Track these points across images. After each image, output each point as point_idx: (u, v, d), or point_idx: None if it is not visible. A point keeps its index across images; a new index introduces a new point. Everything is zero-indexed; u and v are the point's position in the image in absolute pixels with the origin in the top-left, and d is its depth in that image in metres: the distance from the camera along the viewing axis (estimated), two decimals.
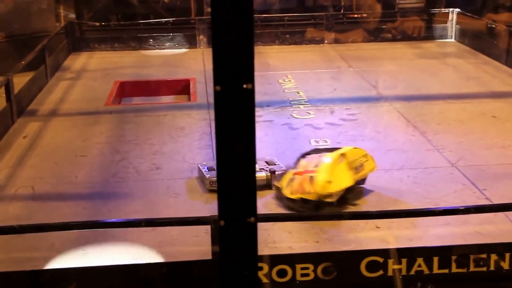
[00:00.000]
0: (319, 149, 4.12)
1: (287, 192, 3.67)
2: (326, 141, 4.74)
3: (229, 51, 1.41)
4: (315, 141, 4.75)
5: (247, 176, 1.51)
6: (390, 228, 3.41)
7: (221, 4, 1.38)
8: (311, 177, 3.60)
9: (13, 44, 7.24)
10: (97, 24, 8.10)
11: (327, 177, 3.58)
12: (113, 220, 3.35)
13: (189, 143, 4.73)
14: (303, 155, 3.88)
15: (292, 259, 2.85)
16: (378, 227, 3.42)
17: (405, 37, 8.15)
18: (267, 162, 4.08)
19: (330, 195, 3.56)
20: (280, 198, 3.74)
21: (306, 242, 3.32)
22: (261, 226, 3.36)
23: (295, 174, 3.73)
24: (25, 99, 5.73)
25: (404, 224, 3.44)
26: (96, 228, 3.15)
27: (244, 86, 1.43)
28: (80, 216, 3.63)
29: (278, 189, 3.77)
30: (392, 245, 3.20)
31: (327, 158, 3.71)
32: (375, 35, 8.19)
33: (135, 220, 3.05)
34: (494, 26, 7.25)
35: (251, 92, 1.44)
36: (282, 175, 3.84)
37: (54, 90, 6.29)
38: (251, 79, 1.43)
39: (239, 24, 1.38)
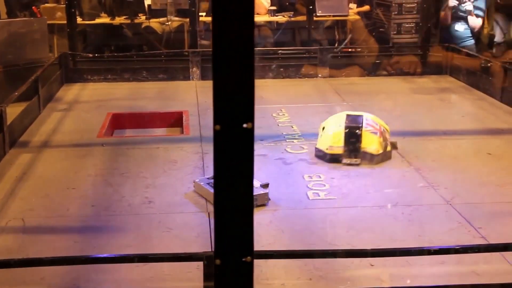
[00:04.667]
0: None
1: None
2: (319, 177, 4.76)
3: (230, 90, 1.44)
4: (309, 176, 4.77)
5: (245, 215, 1.53)
6: (384, 266, 3.41)
7: (222, 43, 1.41)
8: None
9: (7, 74, 7.27)
10: (90, 55, 8.15)
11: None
12: (105, 255, 3.35)
13: (181, 176, 4.75)
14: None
15: None
16: (372, 265, 3.42)
17: (405, 71, 8.24)
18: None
19: None
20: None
21: (299, 280, 3.32)
22: (254, 262, 3.38)
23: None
24: (18, 130, 5.74)
25: (399, 262, 3.44)
26: (87, 263, 3.14)
27: (244, 125, 1.46)
28: (71, 250, 3.62)
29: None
30: (387, 284, 3.21)
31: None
32: (369, 69, 8.27)
33: (127, 256, 3.04)
34: (488, 64, 7.35)
35: (251, 131, 1.46)
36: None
37: (47, 121, 6.31)
38: (251, 118, 1.45)
39: (240, 64, 1.41)
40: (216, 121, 1.43)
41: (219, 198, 1.51)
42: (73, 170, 4.95)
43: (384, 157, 5.07)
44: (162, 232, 3.89)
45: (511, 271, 3.16)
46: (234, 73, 1.42)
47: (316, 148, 5.20)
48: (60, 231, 4.00)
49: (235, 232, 1.54)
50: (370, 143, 5.02)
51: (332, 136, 5.07)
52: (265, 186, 4.32)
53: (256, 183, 4.25)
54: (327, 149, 5.06)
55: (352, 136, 5.00)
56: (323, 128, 5.24)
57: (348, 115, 5.17)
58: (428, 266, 3.41)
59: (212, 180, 3.93)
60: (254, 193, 3.98)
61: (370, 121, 5.12)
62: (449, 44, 8.33)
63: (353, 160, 4.99)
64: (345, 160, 5.00)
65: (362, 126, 5.02)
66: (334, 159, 5.01)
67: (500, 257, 3.45)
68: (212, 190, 3.72)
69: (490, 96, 7.05)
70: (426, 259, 3.42)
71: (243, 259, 1.57)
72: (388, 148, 5.15)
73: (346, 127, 5.03)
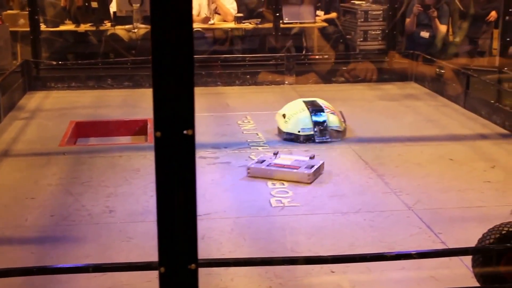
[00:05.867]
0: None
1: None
2: (283, 184, 4.77)
3: (170, 97, 1.43)
4: (272, 183, 4.78)
5: (188, 222, 1.52)
6: (345, 272, 3.43)
7: (161, 49, 1.41)
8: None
9: None
10: (54, 63, 8.08)
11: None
12: (60, 265, 3.31)
13: (144, 185, 4.72)
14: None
15: None
16: (333, 272, 3.44)
17: (368, 79, 8.31)
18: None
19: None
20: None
21: (260, 287, 3.32)
22: (213, 271, 3.37)
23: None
24: None
25: (359, 268, 3.46)
26: (41, 274, 3.09)
27: (185, 132, 1.45)
28: (27, 261, 3.57)
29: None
30: None
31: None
32: (336, 76, 8.32)
33: (84, 266, 3.01)
34: (442, 72, 7.48)
35: (192, 138, 1.46)
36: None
37: (7, 130, 6.23)
38: (191, 125, 1.45)
39: (180, 70, 1.41)
40: (156, 127, 1.42)
41: (161, 205, 1.50)
42: (33, 179, 4.90)
43: (344, 133, 5.90)
44: (122, 242, 3.87)
45: (469, 275, 3.19)
46: (174, 80, 1.42)
47: (285, 132, 5.85)
48: (17, 242, 3.94)
49: (178, 239, 1.54)
50: (334, 122, 5.85)
51: (301, 120, 5.80)
52: (312, 157, 5.08)
53: (305, 158, 5.08)
54: (299, 131, 5.77)
55: (319, 117, 5.81)
56: (284, 115, 5.91)
57: (305, 101, 6.01)
58: (388, 271, 3.43)
59: (263, 161, 5.00)
60: (317, 165, 4.93)
61: (325, 104, 6.04)
62: (414, 51, 8.42)
63: (324, 138, 5.75)
64: (317, 139, 5.74)
65: (323, 109, 5.89)
66: (307, 139, 5.75)
67: (459, 262, 3.49)
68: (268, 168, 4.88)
69: (454, 102, 7.15)
70: (386, 264, 3.44)
71: (188, 267, 1.56)
72: (344, 126, 5.95)
73: (311, 111, 5.86)
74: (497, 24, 8.15)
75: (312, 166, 4.88)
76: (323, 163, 5.02)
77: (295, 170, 4.85)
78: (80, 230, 4.04)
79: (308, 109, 5.86)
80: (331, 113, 5.90)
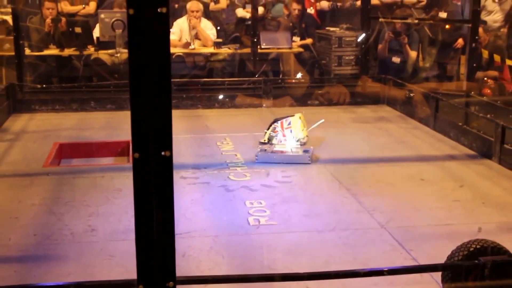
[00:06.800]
0: (279, 118, 6.13)
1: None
2: (260, 203, 4.76)
3: (148, 119, 1.43)
4: (250, 202, 4.77)
5: (166, 241, 1.51)
6: None
7: (139, 73, 1.41)
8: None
9: None
10: (39, 86, 8.03)
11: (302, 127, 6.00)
12: (42, 284, 3.27)
13: (125, 204, 4.68)
14: (275, 121, 6.05)
15: None
16: None
17: (341, 102, 8.35)
18: None
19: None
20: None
21: None
22: (194, 287, 3.34)
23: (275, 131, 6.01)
24: None
25: (334, 284, 3.45)
26: None
27: (162, 153, 1.45)
28: (10, 280, 3.52)
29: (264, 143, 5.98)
30: None
31: (295, 118, 6.03)
32: (312, 100, 8.36)
33: (65, 284, 2.98)
34: (412, 95, 7.57)
35: (170, 159, 1.45)
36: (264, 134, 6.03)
37: None
38: (169, 146, 1.45)
39: (158, 94, 1.41)
40: (135, 149, 1.42)
41: (139, 224, 1.49)
42: (17, 199, 4.84)
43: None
44: (103, 260, 3.83)
45: None
46: (152, 103, 1.41)
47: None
48: (0, 261, 3.89)
49: (157, 257, 1.52)
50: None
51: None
52: (303, 144, 5.92)
53: (300, 150, 5.87)
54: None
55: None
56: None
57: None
58: (362, 287, 3.43)
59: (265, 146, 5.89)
60: (311, 150, 5.90)
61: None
62: (386, 75, 8.49)
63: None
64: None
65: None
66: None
67: (430, 278, 3.49)
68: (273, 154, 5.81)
69: (424, 124, 7.21)
70: (360, 281, 3.43)
71: (166, 284, 1.55)
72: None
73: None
74: (464, 50, 8.25)
75: (308, 151, 5.85)
76: (313, 148, 5.93)
77: (296, 154, 5.79)
78: (63, 249, 4.00)
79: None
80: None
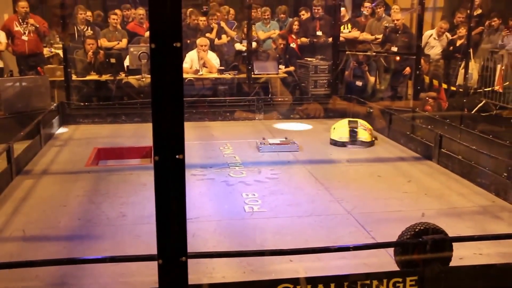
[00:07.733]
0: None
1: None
2: (254, 195, 4.74)
3: (165, 129, 1.42)
4: (246, 194, 4.75)
5: (179, 224, 1.50)
6: (300, 261, 3.40)
7: (159, 93, 1.40)
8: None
9: (17, 119, 7.04)
10: (82, 104, 8.00)
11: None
12: (84, 257, 3.24)
13: (149, 196, 4.66)
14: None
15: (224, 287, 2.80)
16: (291, 261, 3.41)
17: (316, 116, 8.33)
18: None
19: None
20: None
21: (236, 273, 3.29)
22: (200, 261, 3.32)
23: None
24: (23, 161, 5.57)
25: (311, 258, 3.44)
26: (70, 264, 3.04)
27: (177, 156, 1.44)
28: (60, 254, 3.51)
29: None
30: (301, 274, 3.19)
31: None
32: (293, 114, 8.35)
33: (102, 257, 2.95)
34: (371, 110, 7.57)
35: (182, 161, 1.44)
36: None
37: (46, 154, 6.14)
38: (182, 151, 1.43)
39: (173, 109, 1.40)
40: (155, 153, 1.40)
41: (159, 211, 1.48)
42: (65, 191, 4.82)
43: (372, 144, 6.44)
44: (132, 239, 3.81)
45: (392, 262, 3.18)
46: (168, 117, 1.40)
47: (331, 139, 6.54)
48: (52, 239, 3.86)
49: (172, 237, 1.51)
50: (362, 135, 6.43)
51: (342, 132, 6.47)
52: (286, 138, 6.31)
53: (283, 138, 6.28)
54: (339, 138, 6.43)
55: (353, 131, 6.43)
56: (334, 128, 6.62)
57: (349, 120, 6.68)
58: (332, 260, 3.42)
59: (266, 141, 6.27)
60: (296, 142, 6.17)
61: (362, 123, 6.63)
62: (351, 95, 8.49)
63: (354, 146, 6.37)
64: (349, 146, 6.36)
65: (357, 126, 6.49)
66: (343, 144, 6.39)
67: (384, 252, 3.48)
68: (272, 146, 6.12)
69: (381, 133, 7.19)
70: (331, 255, 3.43)
71: (180, 259, 1.53)
72: (372, 139, 6.53)
73: (350, 127, 6.48)
74: (411, 76, 8.26)
75: (295, 142, 6.20)
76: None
77: (289, 145, 6.16)
78: (100, 230, 3.98)
79: (348, 125, 6.51)
80: (364, 129, 6.46)
